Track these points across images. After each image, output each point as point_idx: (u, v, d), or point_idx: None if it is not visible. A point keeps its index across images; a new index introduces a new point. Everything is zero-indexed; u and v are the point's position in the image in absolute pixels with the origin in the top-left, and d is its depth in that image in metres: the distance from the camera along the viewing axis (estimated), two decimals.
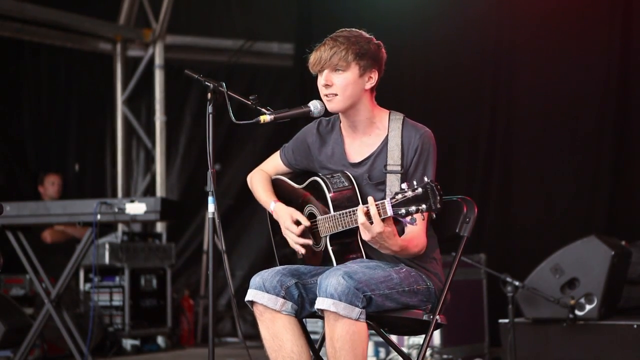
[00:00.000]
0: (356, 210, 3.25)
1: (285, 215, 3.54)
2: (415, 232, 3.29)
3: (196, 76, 3.63)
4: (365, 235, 3.20)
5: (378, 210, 3.14)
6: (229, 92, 3.54)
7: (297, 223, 3.51)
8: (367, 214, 3.16)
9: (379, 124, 3.49)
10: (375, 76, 3.44)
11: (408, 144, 3.42)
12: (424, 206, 3.01)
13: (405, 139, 3.43)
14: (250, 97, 3.56)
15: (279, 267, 3.47)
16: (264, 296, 3.37)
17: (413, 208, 3.02)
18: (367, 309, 3.23)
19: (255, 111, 3.55)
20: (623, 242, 5.85)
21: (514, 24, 7.30)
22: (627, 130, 6.84)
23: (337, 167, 3.53)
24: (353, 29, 3.47)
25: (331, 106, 3.46)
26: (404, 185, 3.08)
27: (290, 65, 8.95)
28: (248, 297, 3.41)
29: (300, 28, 8.70)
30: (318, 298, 3.22)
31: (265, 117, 3.50)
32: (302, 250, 3.53)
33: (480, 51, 7.49)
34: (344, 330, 3.19)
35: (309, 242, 3.50)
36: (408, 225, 3.17)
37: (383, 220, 3.15)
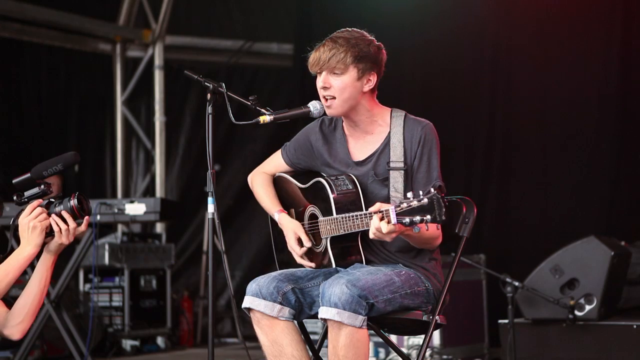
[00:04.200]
0: (360, 215, 3.26)
1: (290, 233, 3.53)
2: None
3: (196, 77, 3.63)
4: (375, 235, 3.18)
5: (382, 218, 3.12)
6: (228, 93, 3.54)
7: (300, 240, 3.52)
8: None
9: (381, 122, 3.49)
10: (374, 78, 3.43)
11: (411, 138, 3.43)
12: (428, 217, 2.99)
13: (407, 134, 3.44)
14: (250, 98, 3.56)
15: (275, 273, 3.46)
16: (261, 303, 3.36)
17: (418, 218, 3.01)
18: (368, 315, 3.23)
19: (254, 112, 3.55)
20: (622, 243, 5.86)
21: (513, 25, 7.29)
22: (626, 130, 6.84)
23: (341, 166, 3.53)
24: (354, 30, 3.45)
25: (330, 111, 3.46)
26: (410, 194, 3.05)
27: (290, 65, 8.94)
28: (245, 304, 3.41)
29: (300, 28, 8.69)
30: (321, 307, 3.22)
31: (265, 118, 3.50)
32: (306, 266, 3.53)
33: (479, 52, 7.49)
34: (348, 338, 3.19)
35: (312, 265, 3.51)
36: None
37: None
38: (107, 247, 7.39)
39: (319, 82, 3.43)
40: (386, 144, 3.45)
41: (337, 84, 3.40)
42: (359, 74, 3.39)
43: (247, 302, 3.40)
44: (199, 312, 8.41)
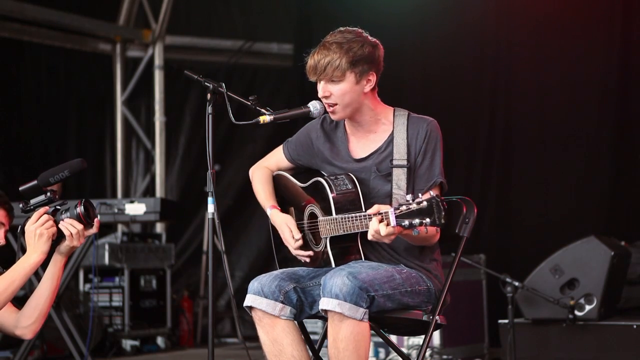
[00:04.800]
0: (359, 216, 3.26)
1: (282, 226, 3.53)
2: None
3: (196, 77, 3.63)
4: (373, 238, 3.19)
5: (381, 220, 3.12)
6: (228, 93, 3.54)
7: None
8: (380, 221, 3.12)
9: (385, 120, 3.49)
10: (373, 78, 3.43)
11: (415, 135, 3.43)
12: (428, 220, 2.99)
13: (411, 132, 3.44)
14: (250, 98, 3.56)
15: (277, 272, 3.47)
16: (263, 301, 3.37)
17: (417, 221, 3.01)
18: (369, 309, 3.22)
19: (254, 112, 3.54)
20: (622, 243, 5.85)
21: (513, 25, 7.30)
22: (626, 130, 6.84)
23: (341, 164, 3.53)
24: (347, 30, 3.43)
25: (334, 117, 3.47)
26: (409, 197, 3.06)
27: (289, 65, 8.94)
28: (247, 303, 3.41)
29: (300, 28, 8.69)
30: (322, 298, 3.22)
31: (265, 118, 3.50)
32: (303, 260, 3.53)
33: (479, 51, 7.49)
34: (349, 330, 3.18)
35: (309, 253, 3.50)
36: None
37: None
38: (107, 247, 7.40)
39: (319, 91, 3.44)
40: (389, 142, 3.45)
41: (336, 92, 3.39)
42: (357, 77, 3.38)
43: (249, 300, 3.40)
44: (199, 312, 8.41)
